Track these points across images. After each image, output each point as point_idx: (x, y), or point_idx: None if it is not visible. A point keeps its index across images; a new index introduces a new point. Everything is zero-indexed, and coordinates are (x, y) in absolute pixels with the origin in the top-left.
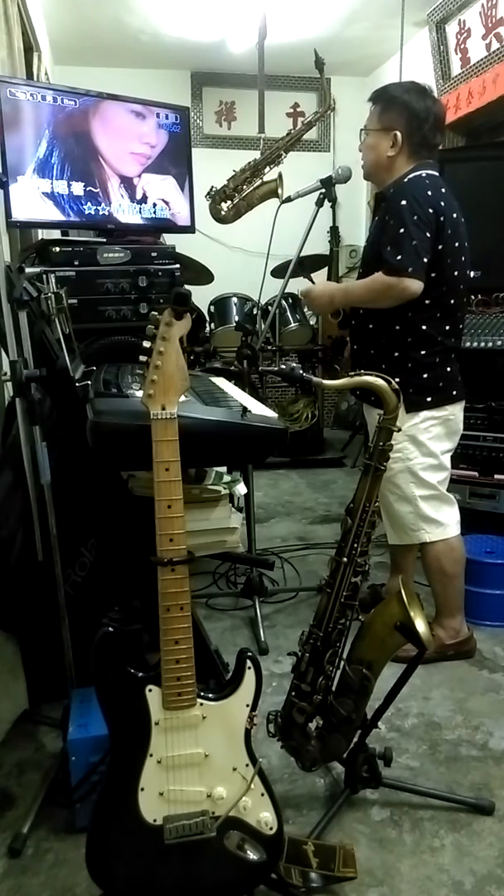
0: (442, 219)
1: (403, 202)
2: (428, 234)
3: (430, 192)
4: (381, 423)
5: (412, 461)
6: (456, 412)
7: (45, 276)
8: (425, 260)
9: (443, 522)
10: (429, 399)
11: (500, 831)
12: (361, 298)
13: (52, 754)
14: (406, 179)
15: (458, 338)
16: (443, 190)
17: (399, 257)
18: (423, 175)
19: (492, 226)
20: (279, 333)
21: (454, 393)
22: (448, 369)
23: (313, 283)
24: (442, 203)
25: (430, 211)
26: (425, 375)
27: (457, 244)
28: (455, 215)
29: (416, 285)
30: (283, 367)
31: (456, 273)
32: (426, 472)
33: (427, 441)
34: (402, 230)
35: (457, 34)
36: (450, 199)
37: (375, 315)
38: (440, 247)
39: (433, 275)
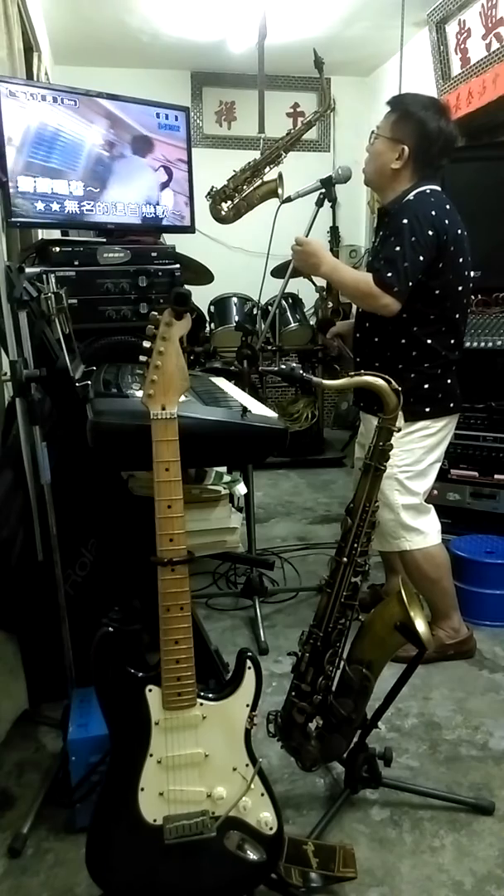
0: (445, 237)
1: (405, 221)
2: (422, 258)
3: (434, 212)
4: (380, 424)
5: (399, 468)
6: (451, 424)
7: (45, 276)
8: (410, 284)
9: (423, 531)
10: (427, 409)
11: (500, 831)
12: (344, 286)
13: (52, 754)
14: (411, 196)
15: (461, 351)
16: (447, 207)
17: (389, 274)
18: (427, 192)
19: (492, 226)
20: (279, 333)
21: (451, 405)
22: (448, 381)
23: (313, 283)
24: (446, 221)
25: (431, 233)
26: (426, 386)
27: (460, 259)
28: (459, 231)
29: (395, 305)
30: (283, 367)
31: (460, 288)
32: (411, 481)
33: (418, 450)
34: (398, 248)
35: (457, 34)
36: (454, 214)
37: (381, 328)
38: (441, 265)
39: (437, 291)
